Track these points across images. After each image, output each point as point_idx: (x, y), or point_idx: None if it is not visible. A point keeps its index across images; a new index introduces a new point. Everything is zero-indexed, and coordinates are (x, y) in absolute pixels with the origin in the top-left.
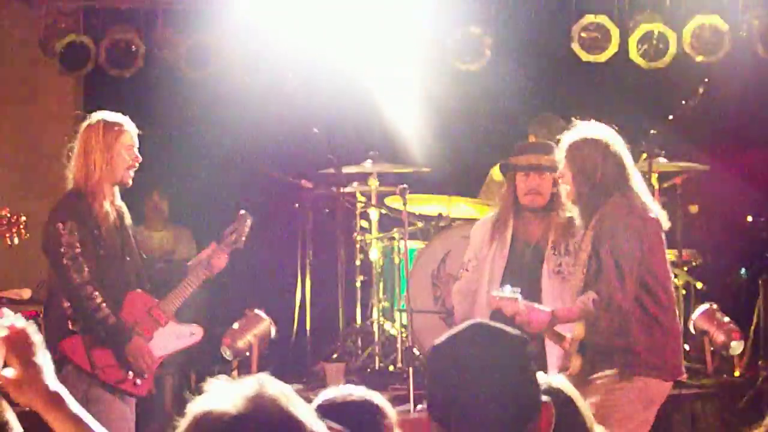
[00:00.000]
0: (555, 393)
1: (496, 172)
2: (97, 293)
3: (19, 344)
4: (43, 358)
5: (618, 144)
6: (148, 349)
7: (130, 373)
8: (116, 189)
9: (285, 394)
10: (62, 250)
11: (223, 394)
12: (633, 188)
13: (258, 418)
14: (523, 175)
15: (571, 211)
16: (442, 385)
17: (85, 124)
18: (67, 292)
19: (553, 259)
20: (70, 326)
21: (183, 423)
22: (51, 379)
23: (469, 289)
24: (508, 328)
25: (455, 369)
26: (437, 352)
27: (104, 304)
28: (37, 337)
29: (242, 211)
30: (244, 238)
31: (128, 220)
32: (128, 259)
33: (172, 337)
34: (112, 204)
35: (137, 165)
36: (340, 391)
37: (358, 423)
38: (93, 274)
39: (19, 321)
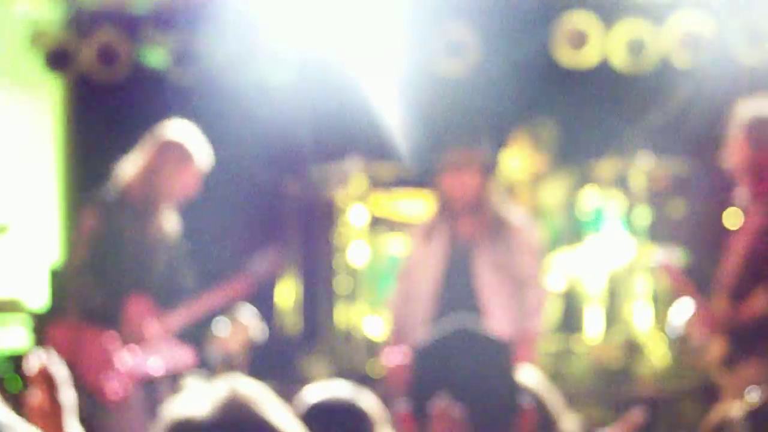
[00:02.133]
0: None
1: None
2: (93, 284)
3: (43, 381)
4: (67, 397)
5: None
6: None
7: (111, 378)
8: (167, 210)
9: (259, 397)
10: (81, 236)
11: (197, 398)
12: None
13: (230, 423)
14: (453, 172)
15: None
16: (424, 389)
17: (162, 139)
18: (67, 273)
19: (490, 255)
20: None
21: (157, 427)
22: (71, 420)
23: (407, 293)
24: (490, 332)
25: (437, 372)
26: (420, 354)
27: (97, 297)
28: (61, 375)
29: (280, 252)
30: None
31: (167, 238)
32: (149, 276)
33: (166, 356)
34: (154, 222)
35: (193, 194)
36: (327, 391)
37: (340, 421)
38: (95, 269)
39: (43, 356)
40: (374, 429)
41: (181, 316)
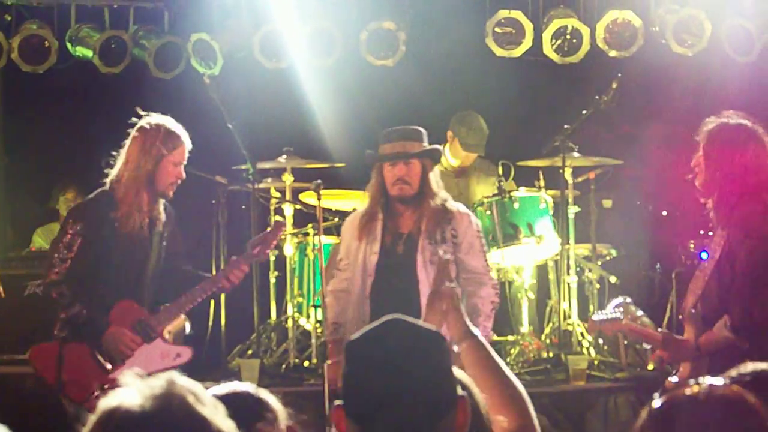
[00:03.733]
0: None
1: None
2: (68, 292)
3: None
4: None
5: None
6: (127, 335)
7: (96, 392)
8: (160, 199)
9: (194, 392)
10: (59, 246)
11: (132, 392)
12: None
13: (165, 417)
14: (390, 165)
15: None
16: (358, 381)
17: (141, 124)
18: (42, 287)
19: (429, 248)
20: (55, 331)
21: (91, 419)
22: None
23: (343, 288)
24: (424, 324)
25: (371, 365)
26: (353, 347)
27: (78, 305)
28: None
29: (278, 219)
30: (269, 250)
31: (161, 227)
32: (143, 268)
33: (156, 356)
34: (145, 212)
35: (179, 181)
36: (225, 386)
37: (240, 414)
38: (78, 275)
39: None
40: (276, 420)
41: (170, 314)
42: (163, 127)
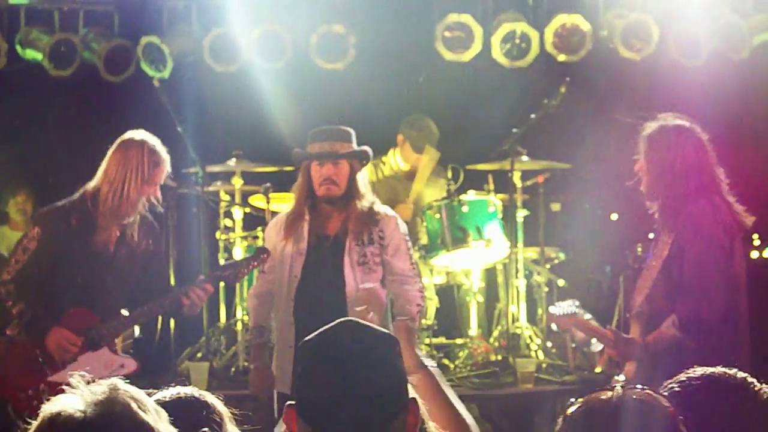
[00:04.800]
0: None
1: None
2: (15, 293)
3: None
4: None
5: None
6: (69, 337)
7: (30, 392)
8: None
9: (137, 399)
10: (18, 247)
11: (75, 398)
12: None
13: (107, 424)
14: (317, 164)
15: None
16: (310, 383)
17: (126, 139)
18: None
19: (356, 250)
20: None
21: (33, 425)
22: None
23: (266, 291)
24: (377, 327)
25: (324, 366)
26: (306, 349)
27: (22, 303)
28: None
29: (265, 248)
30: (241, 276)
31: (133, 242)
32: (106, 279)
33: (99, 365)
34: (117, 226)
35: (153, 200)
36: (169, 391)
37: (187, 419)
38: (27, 277)
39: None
40: (222, 423)
41: (122, 325)
42: (146, 145)
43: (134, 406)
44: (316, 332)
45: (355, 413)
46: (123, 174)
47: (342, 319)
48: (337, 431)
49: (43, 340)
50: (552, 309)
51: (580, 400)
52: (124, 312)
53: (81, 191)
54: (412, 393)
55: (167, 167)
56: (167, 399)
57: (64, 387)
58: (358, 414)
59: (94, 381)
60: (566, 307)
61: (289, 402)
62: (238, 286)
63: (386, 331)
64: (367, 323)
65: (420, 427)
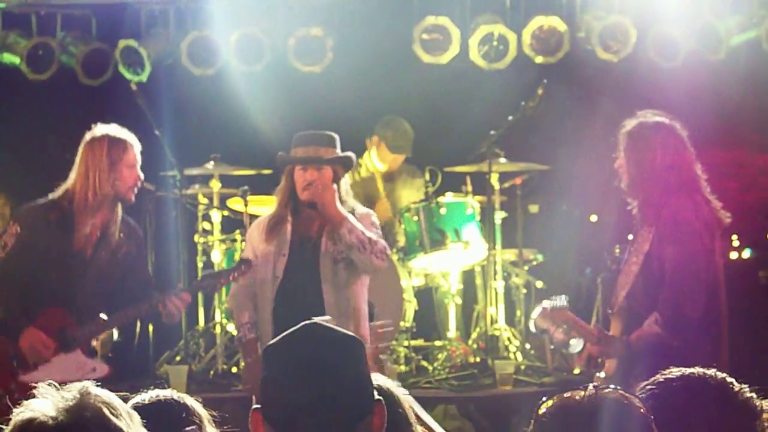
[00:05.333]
0: (381, 391)
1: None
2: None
3: None
4: None
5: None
6: (42, 339)
7: (4, 401)
8: (119, 205)
9: (108, 403)
10: (6, 237)
11: (47, 404)
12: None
13: (76, 426)
14: (301, 169)
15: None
16: (276, 386)
17: (87, 137)
18: None
19: (332, 249)
20: None
21: (5, 429)
22: None
23: (247, 292)
24: (341, 329)
25: (289, 369)
26: (271, 352)
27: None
28: None
29: (246, 260)
30: (220, 285)
31: (114, 244)
32: (84, 280)
33: (71, 366)
34: (97, 226)
35: (140, 183)
36: (148, 394)
37: (167, 421)
38: (3, 275)
39: None
40: (201, 425)
41: (98, 328)
42: (106, 137)
43: (106, 411)
44: (279, 336)
45: (320, 416)
46: (90, 168)
47: (306, 322)
48: None
49: (16, 340)
50: (545, 303)
51: (550, 400)
52: (103, 315)
53: (60, 190)
54: (377, 395)
55: (135, 150)
56: (146, 402)
57: (34, 392)
58: (324, 417)
59: (64, 386)
60: (558, 301)
61: (254, 406)
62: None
63: (350, 333)
64: (331, 326)
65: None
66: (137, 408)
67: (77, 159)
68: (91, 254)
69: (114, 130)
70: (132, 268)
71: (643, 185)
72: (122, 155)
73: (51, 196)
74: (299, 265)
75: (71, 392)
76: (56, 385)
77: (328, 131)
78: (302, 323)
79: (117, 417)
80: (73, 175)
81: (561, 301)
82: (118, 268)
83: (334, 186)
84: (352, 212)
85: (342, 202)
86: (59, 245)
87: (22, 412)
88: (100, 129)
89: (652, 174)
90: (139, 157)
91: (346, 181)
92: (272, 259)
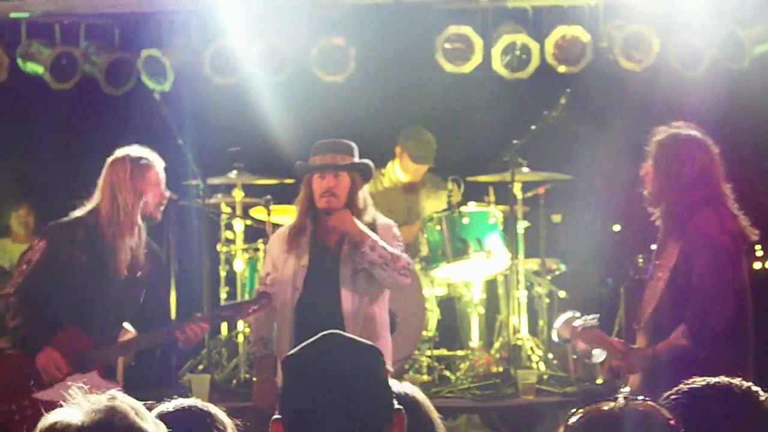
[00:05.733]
0: (405, 399)
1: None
2: (15, 307)
3: None
4: None
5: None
6: (57, 361)
7: (13, 406)
8: (143, 225)
9: (135, 408)
10: (23, 259)
11: (75, 408)
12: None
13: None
14: (318, 176)
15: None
16: (295, 397)
17: (110, 159)
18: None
19: (353, 260)
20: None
21: None
22: None
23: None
24: (360, 339)
25: (308, 380)
26: (290, 363)
27: (19, 318)
28: None
29: (265, 293)
30: (240, 318)
31: (138, 269)
32: (105, 301)
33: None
34: (131, 245)
35: (165, 201)
36: (172, 403)
37: (191, 430)
38: (28, 290)
39: None
40: None
41: (115, 351)
42: (128, 157)
43: (132, 416)
44: (299, 346)
45: (339, 426)
46: (115, 188)
47: (325, 332)
48: None
49: (33, 358)
50: (576, 323)
51: (581, 410)
52: (128, 335)
53: (85, 209)
54: (396, 405)
55: (158, 168)
56: (170, 410)
57: (61, 401)
58: (343, 427)
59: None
60: (589, 320)
61: (275, 416)
62: (239, 298)
63: (369, 343)
64: (351, 336)
65: None
66: (162, 416)
67: (101, 181)
68: (114, 276)
69: (135, 150)
70: (152, 293)
71: (670, 196)
72: (145, 174)
73: (78, 213)
74: (319, 275)
75: (99, 397)
76: (85, 390)
77: (345, 140)
78: (321, 333)
79: (144, 422)
80: (98, 195)
81: (592, 320)
82: (139, 291)
83: (349, 205)
84: (373, 223)
85: (361, 211)
86: (83, 264)
87: (49, 416)
88: (121, 150)
89: (680, 185)
90: (163, 176)
91: (364, 190)
92: (292, 270)
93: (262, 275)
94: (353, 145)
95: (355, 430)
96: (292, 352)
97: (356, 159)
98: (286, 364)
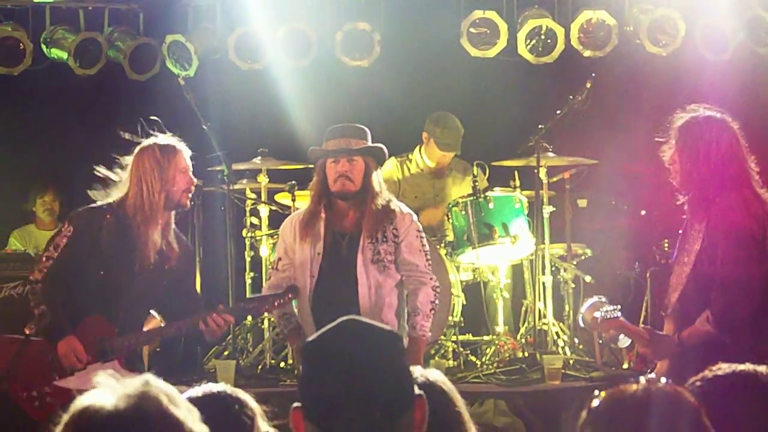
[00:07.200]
0: (430, 386)
1: (386, 172)
2: (41, 294)
3: None
4: None
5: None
6: (78, 351)
7: (34, 392)
8: (172, 213)
9: (168, 393)
10: (50, 245)
11: (107, 392)
12: (750, 181)
13: (137, 416)
14: (332, 161)
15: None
16: (315, 383)
17: (137, 148)
18: (27, 282)
19: (370, 248)
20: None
21: (64, 418)
22: None
23: (279, 284)
24: (380, 324)
25: (327, 366)
26: (310, 349)
27: (44, 306)
28: None
29: (294, 286)
30: (265, 311)
31: (166, 260)
32: (131, 289)
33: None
34: (161, 234)
35: (193, 188)
36: (201, 388)
37: (218, 414)
38: (54, 277)
39: None
40: (253, 419)
41: (138, 340)
42: (155, 146)
43: (165, 400)
44: (318, 333)
45: (360, 412)
46: (143, 176)
47: (344, 318)
48: (344, 431)
49: (56, 345)
50: (597, 314)
51: (604, 393)
52: (156, 320)
53: (114, 196)
54: (418, 391)
55: (186, 156)
56: (199, 395)
57: (78, 390)
58: (364, 413)
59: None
60: (610, 311)
61: (295, 404)
62: (264, 283)
63: (388, 328)
64: (370, 321)
65: (460, 429)
66: (190, 402)
67: (128, 170)
68: (141, 264)
69: (162, 138)
70: (179, 283)
71: (696, 180)
72: (172, 161)
73: (106, 200)
74: (334, 262)
75: (133, 381)
76: (118, 376)
77: (359, 124)
78: (339, 319)
79: (177, 407)
80: (126, 184)
81: (613, 311)
82: (167, 281)
83: (363, 189)
84: (387, 206)
85: (376, 195)
86: (110, 251)
87: (82, 400)
88: (147, 141)
89: (706, 169)
90: (190, 163)
91: (378, 173)
92: (309, 257)
93: (274, 261)
94: (366, 129)
95: (376, 416)
96: (310, 338)
97: (369, 143)
98: (304, 351)
